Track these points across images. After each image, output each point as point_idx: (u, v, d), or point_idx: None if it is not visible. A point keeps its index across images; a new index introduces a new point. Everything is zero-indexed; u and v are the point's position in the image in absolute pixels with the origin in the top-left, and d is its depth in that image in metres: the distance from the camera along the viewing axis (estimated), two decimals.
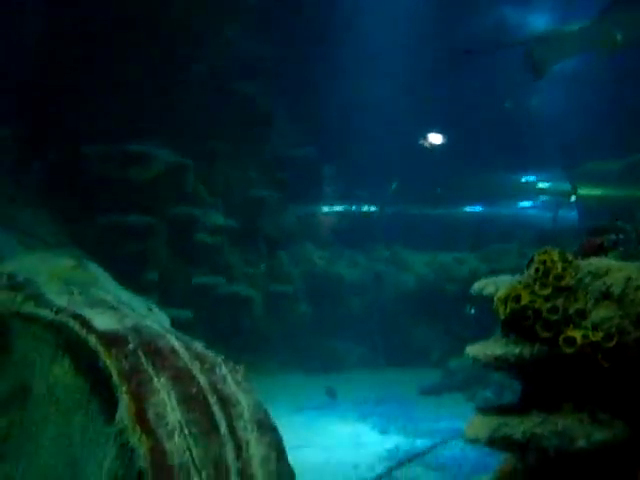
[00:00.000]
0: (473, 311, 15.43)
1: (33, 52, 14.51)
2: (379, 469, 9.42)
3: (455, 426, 11.08)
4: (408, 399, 13.70)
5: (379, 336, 16.39)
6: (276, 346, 15.13)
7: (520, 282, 3.98)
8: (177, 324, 7.11)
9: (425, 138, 19.20)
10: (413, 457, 9.50)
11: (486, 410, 4.01)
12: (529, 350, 3.83)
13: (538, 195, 23.05)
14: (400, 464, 9.27)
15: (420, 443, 10.57)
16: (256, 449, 3.99)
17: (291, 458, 4.12)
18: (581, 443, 3.77)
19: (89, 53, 14.41)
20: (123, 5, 14.36)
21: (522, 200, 23.50)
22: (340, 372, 15.17)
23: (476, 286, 4.41)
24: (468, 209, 22.67)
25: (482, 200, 22.11)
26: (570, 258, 4.03)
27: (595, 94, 17.43)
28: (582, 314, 3.84)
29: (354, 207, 20.78)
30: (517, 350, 3.83)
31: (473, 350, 3.96)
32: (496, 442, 3.81)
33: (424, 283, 17.78)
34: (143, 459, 3.76)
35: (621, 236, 4.93)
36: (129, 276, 9.19)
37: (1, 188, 13.16)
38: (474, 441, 3.90)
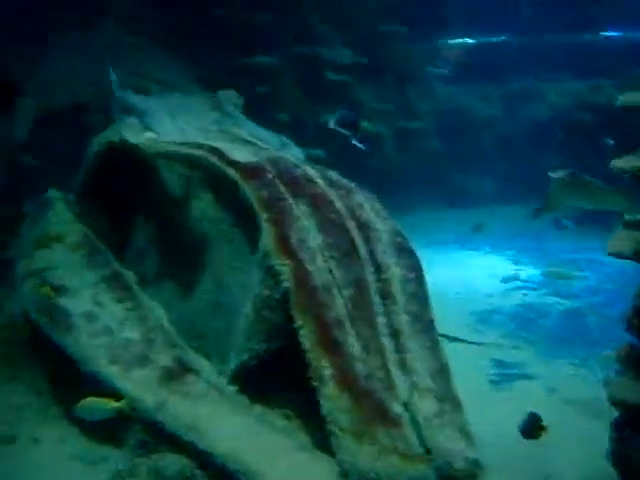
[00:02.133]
0: (612, 142, 14.70)
1: None
2: (512, 298, 9.53)
3: (592, 257, 10.95)
4: (544, 232, 13.53)
5: (513, 170, 16.01)
6: (408, 183, 15.09)
7: None
8: (309, 160, 7.21)
9: None
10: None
11: (631, 224, 3.88)
12: None
13: None
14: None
15: None
16: (395, 271, 4.08)
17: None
18: None
19: None
20: None
21: None
22: (473, 207, 15.02)
23: (623, 98, 4.15)
24: (607, 34, 21.09)
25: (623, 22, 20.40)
26: None
27: None
28: None
29: (483, 39, 19.81)
30: None
31: (620, 162, 3.79)
32: None
33: (559, 114, 17.02)
34: (287, 280, 3.94)
35: None
36: (260, 117, 9.31)
37: (129, 36, 13.41)
38: (617, 255, 3.81)
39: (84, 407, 4.24)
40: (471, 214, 14.10)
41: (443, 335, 4.64)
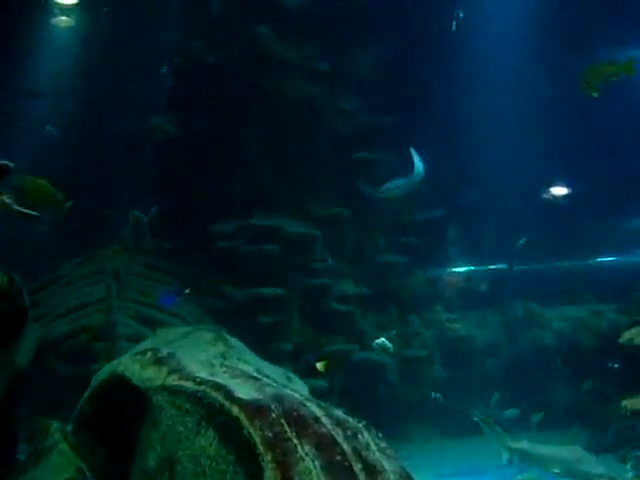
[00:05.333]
0: (617, 365, 14.70)
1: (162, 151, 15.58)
2: None
3: None
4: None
5: (518, 397, 15.80)
6: (413, 411, 14.87)
7: None
8: (313, 393, 7.14)
9: (549, 191, 18.72)
10: None
11: None
12: None
13: None
14: None
15: None
16: None
17: None
18: None
19: (213, 133, 15.12)
20: (245, 86, 15.05)
21: None
22: (478, 436, 14.66)
23: (626, 336, 4.20)
24: (602, 259, 21.69)
25: (614, 250, 21.10)
26: None
27: None
28: None
29: (482, 266, 20.40)
30: None
31: (632, 403, 3.74)
32: None
33: (561, 339, 17.12)
34: None
35: None
36: (263, 347, 9.34)
37: (136, 267, 13.82)
38: None
39: None
40: (475, 443, 13.72)
41: None
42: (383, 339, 12.16)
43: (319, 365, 8.05)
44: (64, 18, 16.34)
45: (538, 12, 17.53)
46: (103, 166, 16.80)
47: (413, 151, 14.05)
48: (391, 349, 12.28)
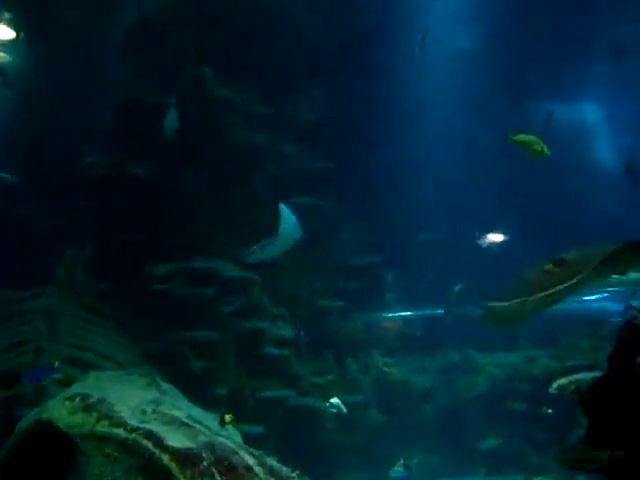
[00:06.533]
0: (550, 411, 14.90)
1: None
2: None
3: None
4: None
5: (453, 443, 15.84)
6: (349, 458, 14.76)
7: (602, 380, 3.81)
8: (248, 439, 7.03)
9: (486, 237, 19.05)
10: None
11: None
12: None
13: (608, 286, 22.14)
14: None
15: None
16: None
17: None
18: None
19: (151, 174, 15.03)
20: (185, 128, 15.00)
21: (588, 293, 22.66)
22: None
23: (555, 385, 4.25)
24: None
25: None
26: None
27: None
28: None
29: (419, 312, 20.55)
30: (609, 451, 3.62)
31: (561, 453, 3.76)
32: None
33: (496, 385, 17.27)
34: None
35: None
36: (198, 392, 9.17)
37: (68, 308, 13.49)
38: None
39: None
40: None
41: None
42: (337, 400, 12.08)
43: (227, 417, 8.02)
44: (1, 54, 16.07)
45: (476, 62, 18.06)
46: (39, 203, 16.46)
47: (283, 207, 12.69)
48: (345, 411, 12.20)
